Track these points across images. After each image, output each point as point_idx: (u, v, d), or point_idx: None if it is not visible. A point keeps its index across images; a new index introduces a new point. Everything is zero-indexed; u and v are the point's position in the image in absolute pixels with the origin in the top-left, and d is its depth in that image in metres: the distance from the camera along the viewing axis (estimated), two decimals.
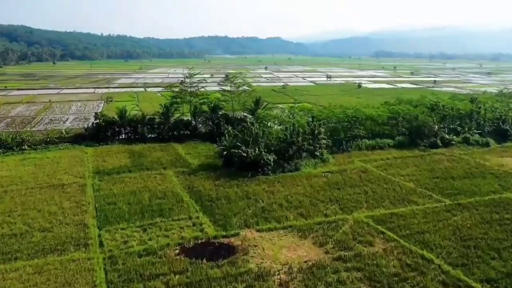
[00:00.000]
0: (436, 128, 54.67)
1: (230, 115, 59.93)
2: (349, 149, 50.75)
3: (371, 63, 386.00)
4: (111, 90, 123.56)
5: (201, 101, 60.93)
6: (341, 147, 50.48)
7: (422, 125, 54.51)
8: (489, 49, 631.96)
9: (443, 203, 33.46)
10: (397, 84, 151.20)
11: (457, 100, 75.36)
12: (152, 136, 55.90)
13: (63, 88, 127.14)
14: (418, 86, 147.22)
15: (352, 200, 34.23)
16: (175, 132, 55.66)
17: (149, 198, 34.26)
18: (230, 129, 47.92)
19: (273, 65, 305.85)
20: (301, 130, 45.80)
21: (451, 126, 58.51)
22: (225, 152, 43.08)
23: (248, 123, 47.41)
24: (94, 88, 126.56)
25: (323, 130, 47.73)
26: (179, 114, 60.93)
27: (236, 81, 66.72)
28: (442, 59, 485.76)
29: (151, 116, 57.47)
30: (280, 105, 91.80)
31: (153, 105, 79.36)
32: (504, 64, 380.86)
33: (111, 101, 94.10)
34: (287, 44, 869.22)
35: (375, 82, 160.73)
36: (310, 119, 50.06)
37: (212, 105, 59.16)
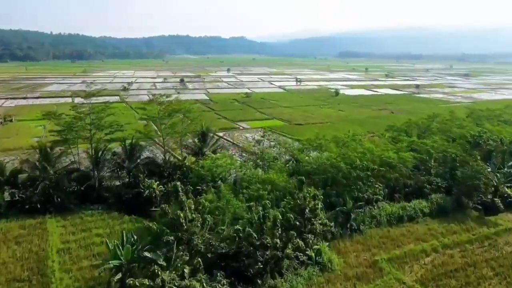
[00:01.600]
0: (496, 179, 33.78)
1: (159, 160, 36.89)
2: (360, 227, 28.92)
3: (338, 63, 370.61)
4: (30, 101, 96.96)
5: (109, 136, 36.69)
6: (348, 226, 28.52)
7: (472, 175, 33.32)
8: (454, 50, 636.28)
9: None
10: (377, 90, 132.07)
11: (483, 119, 55.55)
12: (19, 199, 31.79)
13: None
14: (401, 92, 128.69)
15: None
16: (55, 197, 31.60)
17: None
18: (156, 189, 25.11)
19: (237, 66, 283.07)
20: (277, 217, 23.12)
21: (505, 169, 37.74)
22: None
23: (180, 192, 24.73)
24: (5, 99, 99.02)
25: (319, 206, 25.64)
26: (70, 161, 36.75)
27: (161, 100, 39.92)
28: (408, 60, 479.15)
29: (17, 168, 33.40)
30: (242, 125, 69.87)
31: None
32: (474, 64, 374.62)
33: (10, 120, 68.49)
34: (252, 44, 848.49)
35: (351, 87, 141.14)
36: (295, 180, 28.01)
37: (126, 145, 35.37)
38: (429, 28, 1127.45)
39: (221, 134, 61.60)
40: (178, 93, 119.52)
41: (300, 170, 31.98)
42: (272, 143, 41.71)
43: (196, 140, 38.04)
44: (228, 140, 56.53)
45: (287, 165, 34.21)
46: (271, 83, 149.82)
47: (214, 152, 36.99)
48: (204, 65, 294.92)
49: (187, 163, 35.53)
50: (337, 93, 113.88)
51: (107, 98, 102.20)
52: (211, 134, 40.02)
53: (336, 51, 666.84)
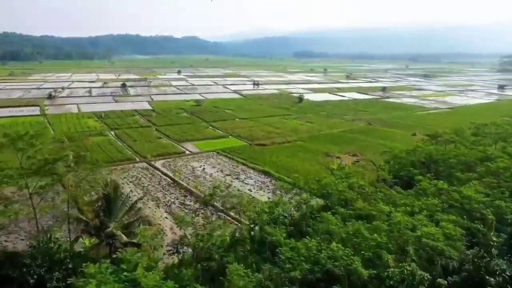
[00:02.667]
0: None
1: (27, 249, 20.83)
2: None
3: (295, 64, 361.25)
4: None
5: None
6: None
7: None
8: (404, 50, 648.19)
9: None
10: (343, 95, 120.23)
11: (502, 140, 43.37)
12: None
13: None
14: (368, 96, 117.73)
15: None
16: None
17: None
18: None
19: (189, 67, 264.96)
20: None
21: None
22: None
23: None
24: None
25: None
26: None
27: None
28: (363, 60, 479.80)
29: None
30: (189, 148, 49.63)
31: None
32: (427, 64, 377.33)
33: None
34: (205, 43, 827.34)
35: (314, 91, 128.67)
36: None
37: None
38: (382, 28, 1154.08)
39: (159, 164, 45.76)
40: (116, 101, 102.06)
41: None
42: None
43: (98, 205, 22.04)
44: (168, 177, 40.83)
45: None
46: (226, 87, 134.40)
47: (131, 226, 21.30)
48: (154, 66, 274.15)
49: (79, 251, 19.77)
50: (301, 98, 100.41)
51: (22, 110, 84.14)
52: (126, 194, 24.02)
53: (291, 50, 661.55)
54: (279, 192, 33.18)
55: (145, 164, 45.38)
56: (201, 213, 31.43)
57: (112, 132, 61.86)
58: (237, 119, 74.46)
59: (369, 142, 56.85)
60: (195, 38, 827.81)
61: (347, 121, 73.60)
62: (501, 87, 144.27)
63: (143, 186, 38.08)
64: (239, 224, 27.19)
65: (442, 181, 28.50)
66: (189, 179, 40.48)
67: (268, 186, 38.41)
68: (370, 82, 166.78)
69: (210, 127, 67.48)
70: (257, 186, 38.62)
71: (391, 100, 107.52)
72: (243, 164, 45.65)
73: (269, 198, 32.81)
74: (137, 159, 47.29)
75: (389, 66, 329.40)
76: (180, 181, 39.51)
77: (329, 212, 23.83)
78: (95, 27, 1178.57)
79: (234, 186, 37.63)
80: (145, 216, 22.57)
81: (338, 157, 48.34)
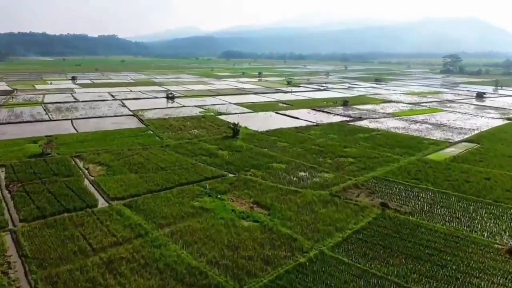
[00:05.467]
0: None
1: None
2: None
3: (223, 65, 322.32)
4: None
5: None
6: None
7: None
8: (331, 50, 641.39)
9: None
10: (296, 115, 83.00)
11: None
12: None
13: None
14: (331, 116, 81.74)
15: None
16: None
17: None
18: None
19: (93, 72, 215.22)
20: None
21: None
22: None
23: None
24: None
25: None
26: None
27: None
28: (294, 60, 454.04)
29: None
30: None
31: None
32: (361, 65, 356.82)
33: None
34: (126, 43, 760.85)
35: (254, 109, 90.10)
36: None
37: None
38: (306, 28, 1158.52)
39: None
40: None
41: None
42: None
43: None
44: None
45: None
46: (123, 106, 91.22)
47: None
48: (48, 71, 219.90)
49: None
50: (236, 131, 60.78)
51: None
52: None
53: (219, 51, 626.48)
54: None
55: None
56: None
57: None
58: (110, 236, 33.35)
59: None
60: (113, 38, 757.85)
61: (334, 198, 35.46)
62: (479, 96, 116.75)
63: None
64: None
65: None
66: None
67: None
68: (319, 90, 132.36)
69: None
70: None
71: (366, 124, 72.16)
72: None
73: None
74: None
75: (327, 67, 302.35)
76: None
77: None
78: None
79: None
80: None
81: None
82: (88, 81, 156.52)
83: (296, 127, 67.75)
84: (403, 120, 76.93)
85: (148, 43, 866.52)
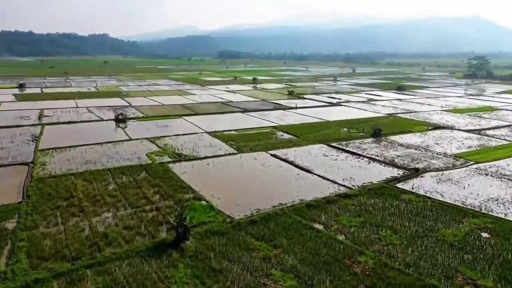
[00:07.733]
0: None
1: None
2: None
3: (215, 67, 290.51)
4: None
5: None
6: None
7: None
8: (331, 49, 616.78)
9: None
10: (309, 168, 50.59)
11: None
12: None
13: None
14: (367, 177, 49.32)
15: None
16: None
17: None
18: None
19: (63, 75, 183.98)
20: None
21: None
22: None
23: None
24: None
25: None
26: None
27: None
28: (294, 61, 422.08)
29: None
30: None
31: None
32: (370, 67, 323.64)
33: None
34: (117, 43, 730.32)
35: (250, 140, 57.73)
36: None
37: None
38: (306, 26, 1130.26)
39: None
40: None
41: None
42: None
43: None
44: None
45: None
46: (32, 142, 58.59)
47: None
48: (4, 74, 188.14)
49: None
50: (182, 228, 28.64)
51: None
52: None
53: (215, 50, 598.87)
54: None
55: None
56: None
57: None
58: None
59: None
60: (104, 37, 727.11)
61: None
62: None
63: None
64: None
65: None
66: None
67: None
68: (331, 104, 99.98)
69: None
70: None
71: (435, 189, 39.63)
72: None
73: None
74: None
75: (332, 70, 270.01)
76: None
77: None
78: None
79: None
80: None
81: None
82: (37, 91, 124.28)
83: (307, 203, 34.56)
84: (489, 176, 43.80)
85: (142, 42, 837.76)
